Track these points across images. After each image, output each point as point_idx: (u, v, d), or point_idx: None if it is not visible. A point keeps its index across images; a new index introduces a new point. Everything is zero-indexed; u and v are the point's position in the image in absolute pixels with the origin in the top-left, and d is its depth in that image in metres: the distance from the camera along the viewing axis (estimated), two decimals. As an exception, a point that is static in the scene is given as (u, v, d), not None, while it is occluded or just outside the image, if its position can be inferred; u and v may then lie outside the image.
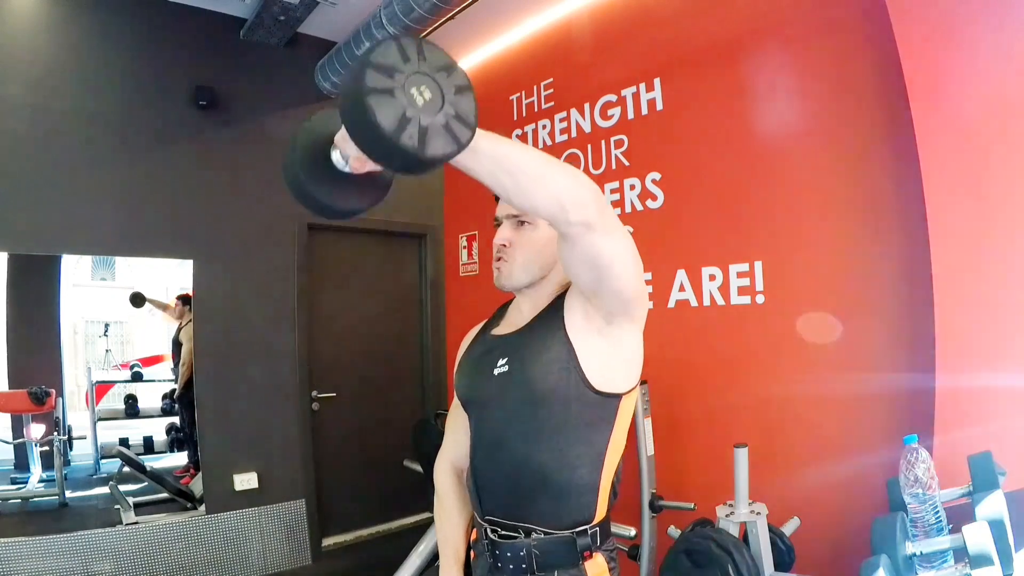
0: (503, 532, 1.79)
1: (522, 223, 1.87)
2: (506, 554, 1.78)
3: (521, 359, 1.79)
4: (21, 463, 4.73)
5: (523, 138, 5.61)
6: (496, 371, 1.83)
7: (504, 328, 1.97)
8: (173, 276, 5.29)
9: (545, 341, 1.76)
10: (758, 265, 3.87)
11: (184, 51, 5.15)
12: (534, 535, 1.74)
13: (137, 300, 5.32)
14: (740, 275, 3.95)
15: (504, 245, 1.87)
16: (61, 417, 4.77)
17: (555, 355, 1.73)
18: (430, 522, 4.11)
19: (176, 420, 5.41)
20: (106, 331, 5.23)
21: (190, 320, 5.22)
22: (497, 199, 1.92)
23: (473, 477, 1.90)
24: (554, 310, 1.82)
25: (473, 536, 2.00)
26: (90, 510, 4.78)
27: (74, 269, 4.97)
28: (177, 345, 5.37)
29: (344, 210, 1.38)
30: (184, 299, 5.26)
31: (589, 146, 4.98)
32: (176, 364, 5.39)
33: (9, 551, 4.17)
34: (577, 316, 1.73)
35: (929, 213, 3.07)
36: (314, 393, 5.76)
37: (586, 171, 4.90)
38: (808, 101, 3.76)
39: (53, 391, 4.73)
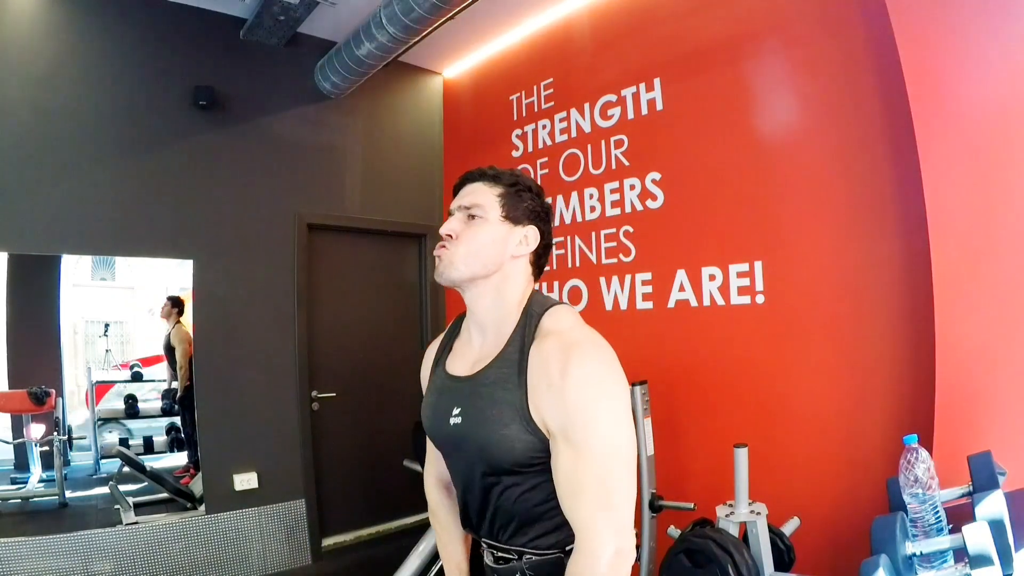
0: (498, 555, 1.79)
1: (473, 216, 1.76)
2: None
3: (475, 421, 1.69)
4: (21, 463, 4.72)
5: (523, 138, 5.62)
6: (451, 420, 1.74)
7: (456, 362, 1.87)
8: (173, 276, 5.28)
9: (503, 413, 1.64)
10: (758, 265, 3.88)
11: (184, 51, 5.13)
12: (526, 557, 1.73)
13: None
14: (740, 275, 3.96)
15: (449, 235, 1.76)
16: (61, 417, 4.76)
17: (515, 432, 1.62)
18: (430, 522, 4.11)
19: (176, 420, 5.40)
20: (106, 331, 5.21)
21: (177, 322, 5.21)
22: (456, 191, 1.86)
23: (460, 504, 1.89)
24: (512, 366, 1.68)
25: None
26: (90, 510, 4.77)
27: (74, 269, 4.95)
28: (170, 349, 5.35)
29: None
30: (173, 300, 5.24)
31: (589, 146, 4.99)
32: (173, 369, 5.37)
33: (9, 551, 4.16)
34: (545, 410, 1.58)
35: (929, 213, 3.07)
36: (314, 393, 5.75)
37: (586, 171, 4.96)
38: (808, 101, 3.76)
39: (53, 391, 4.72)
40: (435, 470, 2.09)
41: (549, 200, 2.19)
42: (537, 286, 1.88)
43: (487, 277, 1.76)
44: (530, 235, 1.80)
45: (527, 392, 1.62)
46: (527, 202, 1.80)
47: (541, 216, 1.83)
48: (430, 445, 2.05)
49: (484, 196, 1.77)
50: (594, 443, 1.51)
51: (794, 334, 3.73)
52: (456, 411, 1.73)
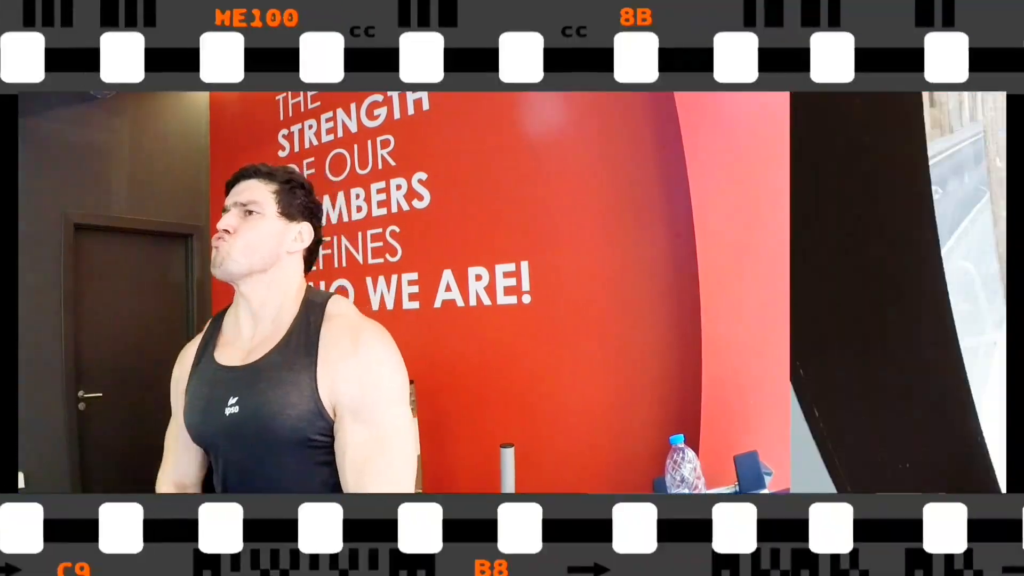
0: None
1: (250, 212, 1.77)
2: None
3: (256, 404, 1.66)
4: None
5: (289, 138, 5.43)
6: (227, 411, 1.70)
7: (228, 354, 1.82)
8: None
9: (289, 393, 1.64)
10: (524, 265, 3.81)
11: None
12: None
13: None
14: (506, 275, 3.88)
15: (227, 231, 1.75)
16: None
17: (301, 410, 1.63)
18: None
19: None
20: None
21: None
22: (229, 187, 1.85)
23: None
24: (299, 348, 1.70)
25: None
26: None
27: None
28: None
29: None
30: None
31: (355, 146, 4.83)
32: None
33: None
34: (338, 385, 1.63)
35: (695, 213, 3.14)
36: (81, 393, 5.67)
37: (352, 171, 4.83)
38: (572, 99, 3.76)
39: None
40: (173, 476, 1.95)
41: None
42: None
43: (264, 271, 1.78)
44: (304, 231, 1.84)
45: (317, 370, 1.65)
46: (300, 199, 1.84)
47: (314, 213, 1.89)
48: (171, 446, 1.97)
49: (260, 192, 1.80)
50: (382, 422, 1.62)
51: (561, 334, 3.69)
52: (232, 400, 1.70)
